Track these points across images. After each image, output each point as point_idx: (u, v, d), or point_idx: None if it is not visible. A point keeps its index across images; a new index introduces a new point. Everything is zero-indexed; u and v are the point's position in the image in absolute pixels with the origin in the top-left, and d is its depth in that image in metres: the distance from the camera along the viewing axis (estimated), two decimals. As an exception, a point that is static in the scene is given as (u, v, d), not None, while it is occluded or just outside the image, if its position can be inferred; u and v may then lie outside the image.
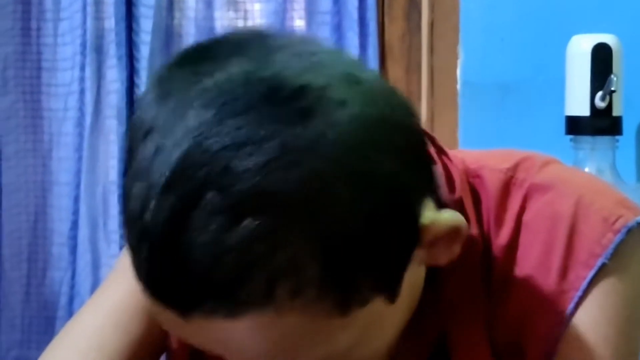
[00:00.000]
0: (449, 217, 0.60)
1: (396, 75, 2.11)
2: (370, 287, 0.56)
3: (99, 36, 2.14)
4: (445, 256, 0.62)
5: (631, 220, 0.67)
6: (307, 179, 0.50)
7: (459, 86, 1.94)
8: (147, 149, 0.51)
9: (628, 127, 1.70)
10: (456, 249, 0.62)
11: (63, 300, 2.11)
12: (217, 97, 0.51)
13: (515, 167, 0.71)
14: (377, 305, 0.57)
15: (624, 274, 0.68)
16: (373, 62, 2.04)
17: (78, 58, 2.09)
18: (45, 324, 2.11)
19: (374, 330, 0.62)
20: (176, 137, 0.50)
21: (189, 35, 2.13)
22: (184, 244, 0.49)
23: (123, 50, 2.10)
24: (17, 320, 2.12)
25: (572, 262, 0.67)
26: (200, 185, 0.49)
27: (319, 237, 0.51)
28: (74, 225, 2.13)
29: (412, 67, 2.11)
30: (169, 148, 0.50)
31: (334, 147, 0.51)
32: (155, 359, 0.79)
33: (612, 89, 1.56)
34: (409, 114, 0.59)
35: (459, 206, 0.67)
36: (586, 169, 1.63)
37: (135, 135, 0.54)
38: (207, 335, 0.55)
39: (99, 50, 2.09)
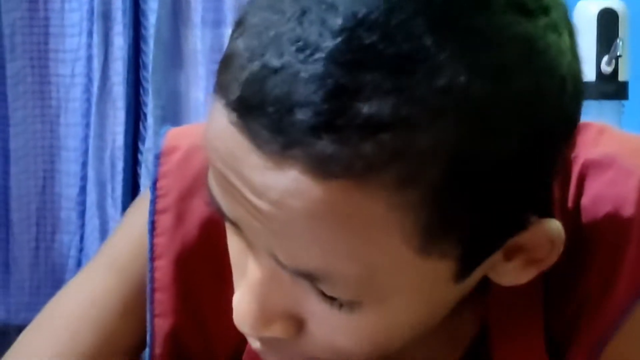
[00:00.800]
0: (555, 225, 0.51)
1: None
2: (459, 242, 0.48)
3: (106, 2, 2.13)
4: (513, 276, 0.54)
5: None
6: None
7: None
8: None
9: (634, 92, 1.71)
10: (531, 274, 0.53)
11: (71, 263, 2.15)
12: None
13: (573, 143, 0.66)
14: (440, 270, 0.49)
15: None
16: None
17: (85, 24, 2.11)
18: (53, 286, 2.08)
19: (413, 297, 0.51)
20: None
21: (197, 2, 2.12)
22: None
23: (129, 17, 2.12)
24: (25, 283, 2.16)
25: None
26: (323, 44, 0.43)
27: (464, 143, 0.44)
28: (82, 190, 2.15)
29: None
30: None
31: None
32: (126, 344, 0.72)
33: (618, 53, 1.59)
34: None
35: None
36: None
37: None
38: (260, 182, 0.46)
39: (106, 17, 2.09)
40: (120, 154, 2.15)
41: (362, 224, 0.44)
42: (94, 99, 2.14)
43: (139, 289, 0.67)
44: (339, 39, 0.42)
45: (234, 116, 0.44)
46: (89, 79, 2.15)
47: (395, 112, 0.42)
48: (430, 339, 0.58)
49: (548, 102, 0.46)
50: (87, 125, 2.17)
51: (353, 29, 0.42)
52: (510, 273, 0.52)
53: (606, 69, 1.60)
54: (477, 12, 0.44)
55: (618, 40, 1.60)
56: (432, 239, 0.45)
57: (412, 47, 0.42)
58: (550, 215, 0.53)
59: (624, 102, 1.68)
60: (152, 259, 0.66)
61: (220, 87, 0.45)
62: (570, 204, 0.60)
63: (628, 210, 0.57)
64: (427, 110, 0.42)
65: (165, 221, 0.66)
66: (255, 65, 0.44)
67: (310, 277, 0.47)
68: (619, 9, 1.65)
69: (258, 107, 0.44)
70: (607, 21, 1.62)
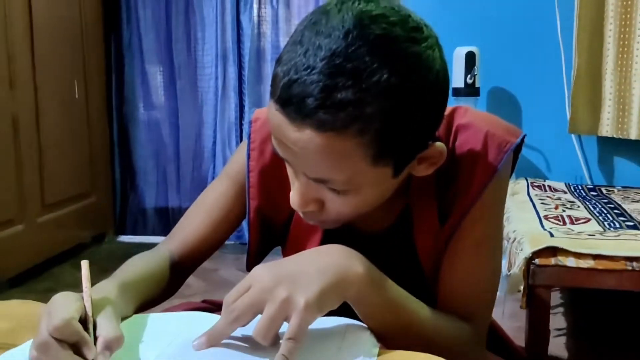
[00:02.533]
0: (440, 144, 0.71)
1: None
2: (393, 157, 0.68)
3: (224, 49, 2.74)
4: (423, 170, 0.73)
5: (513, 143, 0.79)
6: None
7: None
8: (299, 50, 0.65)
9: (482, 93, 2.25)
10: (430, 169, 0.74)
11: (209, 178, 2.82)
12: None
13: (451, 114, 0.82)
14: (385, 172, 0.69)
15: (503, 180, 0.82)
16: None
17: (214, 61, 2.77)
18: (200, 188, 2.36)
19: (373, 187, 0.71)
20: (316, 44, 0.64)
21: (268, 51, 2.73)
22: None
23: (236, 57, 2.75)
24: (188, 186, 2.85)
25: (484, 171, 0.78)
26: (321, 64, 0.63)
27: (389, 108, 0.64)
28: (214, 142, 2.83)
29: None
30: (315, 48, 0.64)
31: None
32: (238, 224, 0.95)
33: (475, 74, 2.14)
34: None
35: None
36: None
37: (286, 48, 0.67)
38: (294, 138, 0.66)
39: (225, 57, 2.76)
40: (232, 125, 2.73)
41: (342, 154, 0.65)
42: (219, 99, 2.78)
43: (241, 187, 0.90)
44: (324, 62, 0.62)
45: (278, 106, 0.65)
46: (217, 89, 2.78)
47: (354, 97, 0.62)
48: (380, 209, 0.76)
49: (432, 83, 0.67)
50: (216, 111, 2.80)
51: (330, 57, 0.62)
52: (421, 170, 0.73)
53: (469, 81, 2.15)
54: (393, 43, 0.65)
55: (475, 67, 2.14)
56: (379, 158, 0.65)
57: (360, 63, 0.62)
58: (439, 140, 0.73)
59: (477, 97, 2.20)
60: (248, 171, 0.88)
61: (272, 92, 0.66)
62: (450, 145, 0.79)
63: (477, 147, 0.78)
64: (369, 94, 0.62)
65: (254, 153, 0.89)
66: (286, 79, 0.64)
67: (322, 181, 0.69)
68: (475, 50, 2.16)
69: (288, 101, 0.64)
70: (470, 57, 2.15)
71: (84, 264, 0.74)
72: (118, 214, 2.82)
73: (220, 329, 0.67)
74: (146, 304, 0.84)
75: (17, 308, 0.85)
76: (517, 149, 0.81)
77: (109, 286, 0.76)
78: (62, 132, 2.39)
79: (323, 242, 0.83)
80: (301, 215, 0.75)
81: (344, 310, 0.69)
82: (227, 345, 0.67)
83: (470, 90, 2.18)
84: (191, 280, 1.10)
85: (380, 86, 0.63)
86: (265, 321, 0.63)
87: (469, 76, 2.18)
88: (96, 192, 2.63)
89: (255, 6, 2.60)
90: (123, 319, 0.75)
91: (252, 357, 0.65)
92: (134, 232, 2.80)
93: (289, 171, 0.74)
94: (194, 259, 0.93)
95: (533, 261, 1.35)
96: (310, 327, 0.66)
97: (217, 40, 2.64)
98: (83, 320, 0.67)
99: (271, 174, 0.86)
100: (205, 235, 0.92)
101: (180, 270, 0.91)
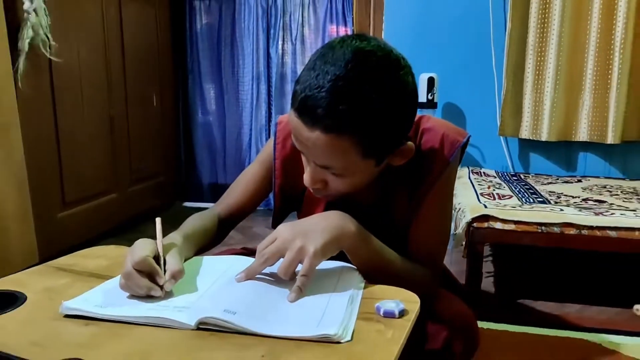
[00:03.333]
0: (410, 143, 0.71)
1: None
2: (377, 152, 0.67)
3: (258, 72, 2.62)
4: (398, 161, 0.73)
5: (462, 142, 0.78)
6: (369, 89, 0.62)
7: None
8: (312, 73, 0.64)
9: (439, 106, 2.20)
10: (403, 160, 0.73)
11: (245, 162, 2.72)
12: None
13: (418, 121, 0.80)
14: (371, 163, 0.69)
15: (453, 168, 0.79)
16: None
17: (250, 80, 2.65)
18: (240, 166, 2.67)
19: (362, 173, 0.70)
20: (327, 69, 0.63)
21: (288, 75, 2.60)
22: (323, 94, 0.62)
23: (266, 78, 2.64)
24: (232, 163, 2.75)
25: (441, 162, 0.77)
26: (327, 85, 0.62)
27: (376, 118, 0.64)
28: (250, 138, 2.72)
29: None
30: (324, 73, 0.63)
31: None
32: (266, 195, 0.94)
33: (434, 92, 2.10)
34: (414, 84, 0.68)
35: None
36: None
37: (303, 72, 0.66)
38: (307, 136, 0.65)
39: (258, 78, 2.63)
40: (263, 126, 2.66)
41: (341, 149, 0.65)
42: (254, 108, 2.66)
43: (268, 170, 0.90)
44: (330, 83, 0.62)
45: (296, 114, 0.65)
46: (252, 100, 2.65)
47: (350, 110, 0.62)
48: (368, 187, 0.76)
49: (406, 100, 0.67)
50: (251, 116, 2.69)
51: (334, 80, 0.62)
52: (396, 161, 0.72)
53: (430, 98, 2.09)
54: (380, 71, 0.64)
55: (434, 88, 2.09)
56: (367, 153, 0.66)
57: (356, 86, 0.62)
58: (410, 139, 0.72)
59: (434, 109, 2.12)
60: (274, 159, 0.89)
61: (292, 103, 0.66)
62: (417, 143, 0.78)
63: (436, 145, 0.77)
64: (361, 108, 0.62)
65: (278, 146, 0.88)
66: (302, 95, 0.64)
67: (326, 167, 0.69)
68: (434, 76, 2.09)
69: (303, 110, 0.64)
70: (431, 81, 2.08)
71: (158, 220, 0.74)
72: (182, 187, 2.78)
73: (254, 267, 0.67)
74: (201, 250, 0.84)
75: (112, 251, 0.86)
76: (464, 146, 0.81)
77: (176, 236, 0.77)
78: (144, 129, 2.38)
79: (326, 209, 0.83)
80: (311, 190, 0.76)
81: (339, 257, 0.71)
82: (260, 279, 0.68)
83: (431, 104, 2.12)
84: (233, 233, 1.09)
85: (370, 103, 0.63)
86: (286, 263, 0.65)
87: (429, 94, 2.11)
88: (168, 171, 2.61)
89: (280, 42, 2.55)
90: (185, 260, 0.74)
91: (276, 287, 0.66)
92: (194, 200, 2.76)
93: (304, 159, 0.73)
94: (234, 219, 0.93)
95: (472, 225, 1.33)
96: (316, 268, 0.67)
97: (253, 66, 2.58)
98: (156, 258, 0.67)
99: (290, 161, 0.86)
100: (243, 202, 0.92)
101: (224, 226, 0.91)
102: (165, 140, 2.58)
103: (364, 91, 0.62)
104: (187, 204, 2.73)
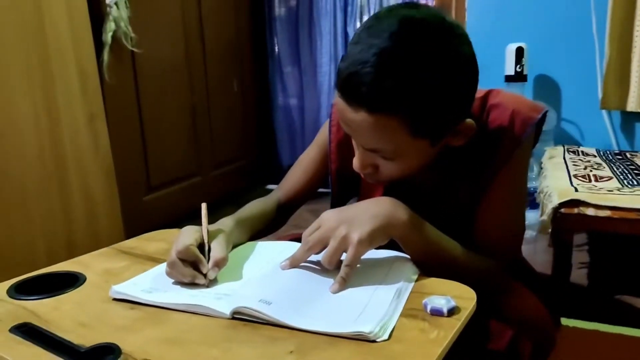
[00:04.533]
0: (470, 121, 0.65)
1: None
2: (430, 132, 0.62)
3: (336, 54, 2.59)
4: (458, 141, 0.67)
5: (536, 118, 0.70)
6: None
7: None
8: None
9: (529, 79, 2.06)
10: (463, 140, 0.67)
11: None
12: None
13: (485, 96, 0.74)
14: (424, 144, 0.64)
15: (526, 149, 0.72)
16: None
17: (328, 61, 2.62)
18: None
19: (415, 155, 0.65)
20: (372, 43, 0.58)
21: None
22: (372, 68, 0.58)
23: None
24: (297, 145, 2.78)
25: (511, 142, 0.70)
26: (372, 59, 0.57)
27: (425, 95, 0.58)
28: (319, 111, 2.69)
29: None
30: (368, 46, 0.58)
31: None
32: (325, 178, 0.91)
33: (523, 64, 1.96)
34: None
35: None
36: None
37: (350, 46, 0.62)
38: (351, 117, 0.61)
39: (336, 60, 2.58)
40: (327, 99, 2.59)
41: (388, 130, 0.60)
42: (331, 89, 2.58)
43: (326, 153, 0.88)
44: (374, 58, 0.57)
45: (340, 94, 0.62)
46: (330, 82, 2.63)
47: (397, 86, 0.57)
48: (429, 169, 0.71)
49: (461, 74, 0.60)
50: (329, 98, 2.63)
51: (379, 54, 0.57)
52: (456, 141, 0.67)
53: (517, 70, 1.95)
54: (429, 42, 0.58)
55: (523, 59, 1.96)
56: (418, 133, 0.62)
57: (402, 59, 0.57)
58: (472, 117, 0.66)
59: (524, 83, 1.98)
60: (330, 142, 0.86)
61: (336, 82, 0.63)
62: (483, 121, 0.72)
63: (505, 123, 0.71)
64: (409, 84, 0.57)
65: (333, 129, 0.86)
66: (345, 73, 0.60)
67: (374, 151, 0.65)
68: (524, 45, 1.95)
69: (347, 89, 0.60)
70: (519, 51, 1.95)
71: (203, 206, 0.74)
72: (264, 170, 2.83)
73: (298, 255, 0.66)
74: (257, 234, 0.84)
75: (173, 235, 0.87)
76: (540, 123, 0.73)
77: (227, 221, 0.77)
78: (225, 114, 2.43)
79: (385, 193, 0.79)
80: (362, 175, 0.72)
81: (394, 245, 0.67)
82: (305, 267, 0.66)
83: (519, 77, 1.98)
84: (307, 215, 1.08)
85: (418, 77, 0.58)
86: (330, 251, 0.62)
87: (517, 66, 1.97)
88: (249, 155, 2.67)
89: (357, 21, 2.51)
90: (237, 245, 0.76)
91: (321, 277, 0.64)
92: (275, 182, 2.83)
93: (353, 142, 0.70)
94: (294, 203, 0.93)
95: (559, 211, 1.20)
96: (367, 257, 0.64)
97: (330, 46, 2.56)
98: (202, 245, 0.66)
99: (345, 145, 0.82)
100: (301, 186, 0.91)
101: (284, 211, 0.91)
102: (246, 124, 2.64)
103: (412, 64, 0.57)
104: (270, 186, 2.79)
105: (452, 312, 0.54)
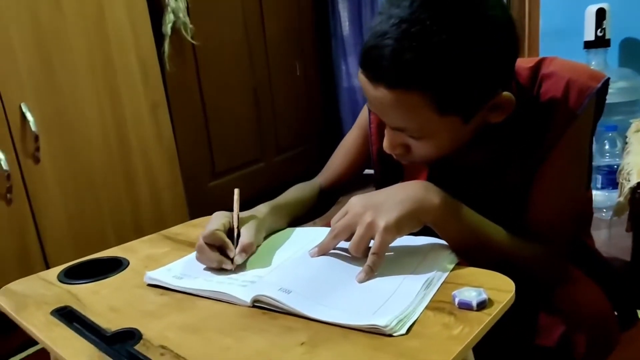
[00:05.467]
0: (507, 94, 0.60)
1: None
2: (459, 107, 0.58)
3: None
4: (496, 117, 0.62)
5: (595, 88, 0.65)
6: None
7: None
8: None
9: (613, 44, 1.90)
10: (502, 116, 0.62)
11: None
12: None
13: (537, 65, 0.69)
14: (454, 120, 0.59)
15: (584, 122, 0.66)
16: None
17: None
18: None
19: (446, 132, 0.61)
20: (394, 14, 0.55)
21: None
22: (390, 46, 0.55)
23: None
24: None
25: (565, 115, 0.65)
26: (391, 30, 0.55)
27: (450, 66, 0.54)
28: None
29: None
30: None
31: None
32: (366, 158, 0.87)
33: (604, 27, 1.83)
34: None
35: (508, 89, 0.62)
36: (593, 63, 1.83)
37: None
38: (373, 94, 0.59)
39: None
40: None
41: (412, 107, 0.57)
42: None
43: (367, 135, 0.86)
44: (393, 28, 0.54)
45: (361, 69, 0.60)
46: None
47: (418, 57, 0.53)
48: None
49: (492, 41, 0.55)
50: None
51: (398, 24, 0.54)
52: (494, 117, 0.62)
53: (599, 34, 1.82)
54: (453, 7, 0.54)
55: (604, 21, 1.81)
56: (445, 109, 0.57)
57: (422, 27, 0.53)
58: (510, 91, 0.61)
59: (607, 48, 1.85)
60: (370, 122, 0.84)
61: (359, 59, 0.60)
62: (535, 93, 0.67)
63: (558, 95, 0.65)
64: (431, 54, 0.53)
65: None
66: (366, 46, 0.58)
67: (400, 129, 0.62)
68: (606, 7, 1.82)
69: (367, 64, 0.58)
70: (601, 12, 1.81)
71: (236, 191, 0.75)
72: (328, 154, 2.85)
73: (325, 242, 0.64)
74: (298, 220, 0.83)
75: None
76: (602, 93, 0.67)
77: (263, 208, 0.77)
78: (287, 98, 2.43)
79: (429, 176, 0.76)
80: (394, 157, 0.68)
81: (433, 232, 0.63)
82: (334, 255, 0.65)
83: (601, 42, 1.82)
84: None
85: (441, 46, 0.54)
86: (356, 239, 0.61)
87: (599, 30, 1.81)
88: (313, 139, 2.66)
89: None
90: (275, 231, 0.76)
91: (350, 264, 0.62)
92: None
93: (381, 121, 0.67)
94: (337, 188, 0.91)
95: (638, 191, 1.10)
96: (403, 243, 0.62)
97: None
98: (231, 231, 0.66)
99: (381, 124, 0.77)
100: (344, 170, 0.89)
101: (327, 196, 0.89)
102: (310, 108, 2.61)
103: (434, 34, 0.53)
104: (334, 170, 2.81)
105: (482, 305, 0.50)
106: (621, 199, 1.11)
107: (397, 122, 0.61)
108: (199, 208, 1.86)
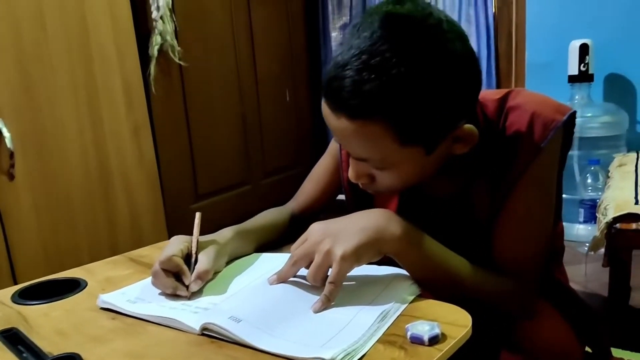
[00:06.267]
0: (469, 126, 0.61)
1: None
2: (420, 138, 0.58)
3: None
4: (460, 149, 0.62)
5: (560, 121, 0.64)
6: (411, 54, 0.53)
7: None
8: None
9: (597, 79, 1.96)
10: (466, 148, 0.62)
11: None
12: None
13: (504, 97, 0.69)
14: (417, 151, 0.59)
15: (549, 154, 0.65)
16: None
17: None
18: None
19: (409, 163, 0.60)
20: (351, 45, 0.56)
21: None
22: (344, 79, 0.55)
23: None
24: None
25: (529, 147, 0.64)
26: (351, 61, 0.55)
27: (409, 97, 0.54)
28: None
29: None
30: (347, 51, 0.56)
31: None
32: (338, 184, 0.87)
33: (587, 62, 1.88)
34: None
35: (474, 121, 0.62)
36: (577, 97, 1.87)
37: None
38: (335, 125, 0.59)
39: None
40: None
41: (374, 137, 0.57)
42: None
43: (337, 163, 0.85)
44: (354, 59, 0.54)
45: (324, 99, 0.59)
46: None
47: (377, 88, 0.54)
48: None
49: (451, 73, 0.55)
50: None
51: (358, 55, 0.54)
52: (458, 148, 0.62)
53: (582, 69, 1.87)
54: (412, 39, 0.54)
55: (587, 57, 1.86)
56: (406, 140, 0.57)
57: (382, 59, 0.53)
58: (475, 122, 0.61)
59: (591, 83, 1.90)
60: (340, 149, 0.82)
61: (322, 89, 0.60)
62: (500, 126, 0.67)
63: (522, 128, 0.65)
64: (390, 85, 0.53)
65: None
66: (327, 77, 0.58)
67: (365, 160, 0.62)
68: (589, 42, 1.87)
69: (329, 94, 0.58)
70: (584, 47, 1.86)
71: (197, 215, 0.73)
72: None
73: (284, 270, 0.63)
74: (266, 245, 0.82)
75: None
76: (569, 126, 0.67)
77: (226, 232, 0.75)
78: (277, 123, 2.45)
79: (399, 204, 0.75)
80: (360, 186, 0.68)
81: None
82: (293, 283, 0.63)
83: (585, 76, 1.85)
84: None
85: (400, 78, 0.54)
86: (313, 267, 0.60)
87: (582, 65, 1.84)
88: (299, 165, 2.66)
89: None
90: (241, 256, 0.75)
91: (307, 293, 0.61)
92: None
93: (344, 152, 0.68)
94: (308, 215, 0.89)
95: (614, 226, 1.08)
96: (366, 273, 0.62)
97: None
98: (189, 256, 0.64)
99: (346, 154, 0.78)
100: (316, 197, 0.88)
101: (298, 222, 0.88)
102: (299, 133, 2.63)
103: (393, 66, 0.53)
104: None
105: (434, 340, 0.49)
106: (597, 233, 1.10)
107: (359, 152, 0.61)
108: (179, 231, 1.83)
